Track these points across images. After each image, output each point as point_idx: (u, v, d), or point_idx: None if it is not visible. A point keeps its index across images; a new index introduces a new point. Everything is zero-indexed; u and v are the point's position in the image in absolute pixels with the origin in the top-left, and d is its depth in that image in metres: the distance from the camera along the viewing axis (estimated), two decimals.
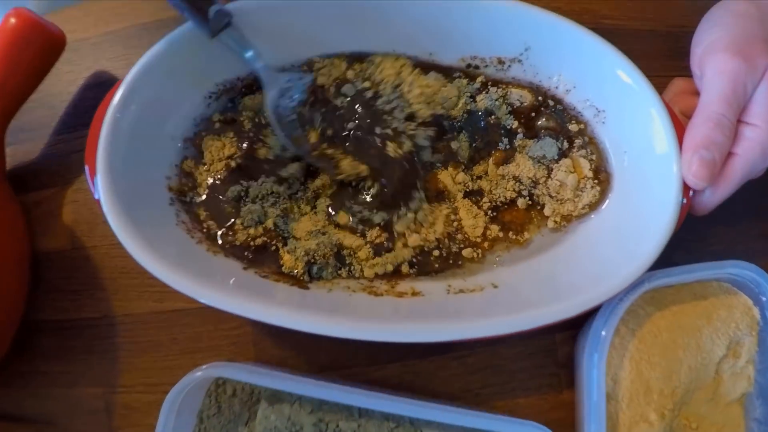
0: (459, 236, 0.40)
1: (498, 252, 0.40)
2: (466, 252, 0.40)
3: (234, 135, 0.40)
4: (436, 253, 0.40)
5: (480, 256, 0.40)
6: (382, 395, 0.35)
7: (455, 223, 0.41)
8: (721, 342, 0.40)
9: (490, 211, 0.41)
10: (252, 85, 0.42)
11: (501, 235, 0.41)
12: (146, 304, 0.43)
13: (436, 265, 0.39)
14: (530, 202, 0.42)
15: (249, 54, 0.38)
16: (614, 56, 0.37)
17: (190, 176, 0.40)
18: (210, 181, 0.40)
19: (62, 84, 0.46)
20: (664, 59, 0.46)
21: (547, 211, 0.41)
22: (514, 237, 0.41)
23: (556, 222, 0.41)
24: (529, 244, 0.41)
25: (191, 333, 0.42)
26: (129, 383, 0.42)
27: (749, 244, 0.46)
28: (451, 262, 0.39)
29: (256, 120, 0.41)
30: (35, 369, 0.43)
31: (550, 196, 0.41)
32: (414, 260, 0.39)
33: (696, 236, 0.45)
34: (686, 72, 0.40)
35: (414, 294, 0.37)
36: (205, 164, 0.40)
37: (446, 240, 0.40)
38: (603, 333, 0.37)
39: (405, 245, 0.39)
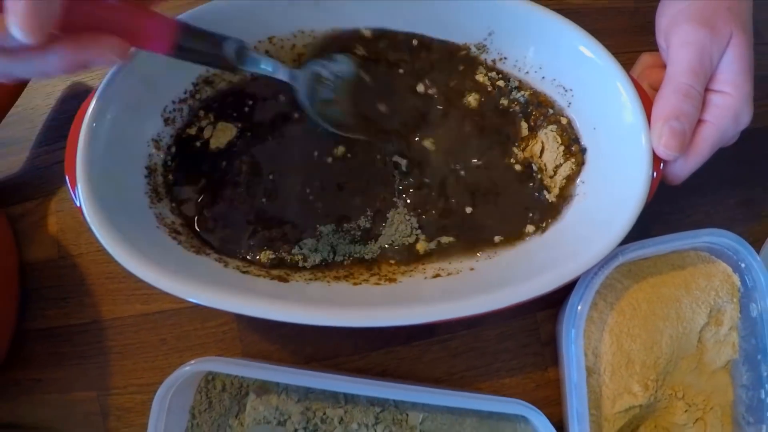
0: None
1: None
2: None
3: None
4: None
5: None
6: (367, 381, 0.36)
7: None
8: (702, 310, 0.40)
9: None
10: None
11: None
12: (133, 307, 0.43)
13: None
14: None
15: (270, 69, 0.36)
16: (575, 33, 0.37)
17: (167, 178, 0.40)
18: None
19: (40, 98, 0.47)
20: (632, 35, 0.46)
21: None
22: None
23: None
24: None
25: (179, 332, 0.43)
26: (121, 385, 0.43)
27: (727, 213, 0.46)
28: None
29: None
30: (29, 377, 0.43)
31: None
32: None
33: (673, 208, 0.45)
34: (655, 47, 0.40)
35: (390, 281, 0.37)
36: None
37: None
38: (579, 307, 0.37)
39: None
